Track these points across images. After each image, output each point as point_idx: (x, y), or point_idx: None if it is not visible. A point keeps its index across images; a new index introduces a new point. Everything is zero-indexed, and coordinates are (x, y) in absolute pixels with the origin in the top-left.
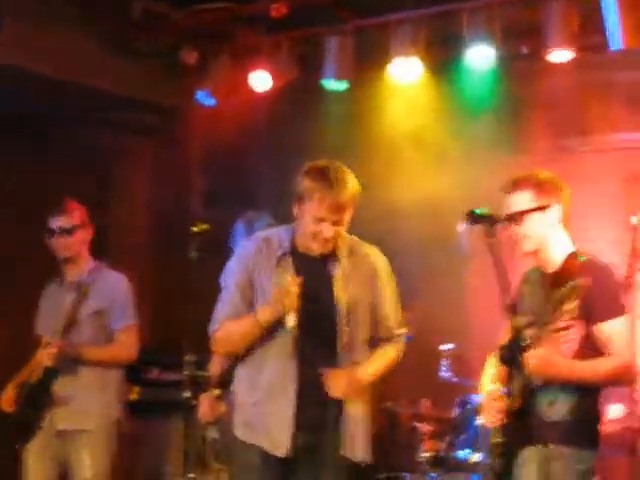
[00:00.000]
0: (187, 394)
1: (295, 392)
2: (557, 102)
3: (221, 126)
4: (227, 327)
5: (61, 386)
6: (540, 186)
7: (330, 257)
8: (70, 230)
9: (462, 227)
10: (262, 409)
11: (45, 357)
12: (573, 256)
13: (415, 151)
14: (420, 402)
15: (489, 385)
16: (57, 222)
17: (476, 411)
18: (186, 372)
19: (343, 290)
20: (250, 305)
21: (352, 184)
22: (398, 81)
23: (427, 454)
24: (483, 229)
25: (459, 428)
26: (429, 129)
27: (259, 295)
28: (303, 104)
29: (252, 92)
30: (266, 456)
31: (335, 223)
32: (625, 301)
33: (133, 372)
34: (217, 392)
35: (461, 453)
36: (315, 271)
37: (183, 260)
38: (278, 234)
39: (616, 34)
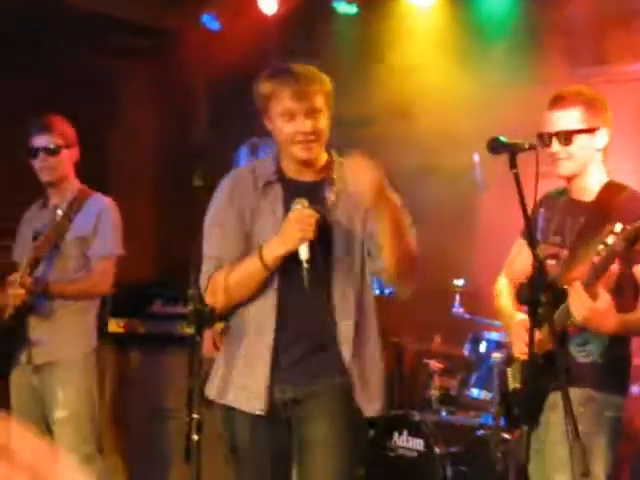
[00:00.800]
0: (191, 329)
1: (275, 330)
2: (575, 30)
3: (227, 51)
4: (221, 277)
5: (35, 319)
6: (591, 105)
7: (324, 181)
8: (55, 150)
9: (477, 158)
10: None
11: (11, 299)
12: (612, 186)
13: (427, 80)
14: (431, 338)
15: (519, 315)
16: (40, 141)
17: (490, 349)
18: (190, 306)
19: (339, 217)
20: (244, 245)
21: (318, 74)
22: (412, 4)
23: (437, 392)
24: (506, 158)
25: (471, 366)
26: (442, 56)
27: (254, 233)
28: (313, 27)
29: (259, 15)
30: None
31: (308, 114)
32: None
33: (135, 305)
34: (221, 325)
35: (473, 391)
36: (308, 197)
37: (187, 190)
38: (262, 163)
39: None
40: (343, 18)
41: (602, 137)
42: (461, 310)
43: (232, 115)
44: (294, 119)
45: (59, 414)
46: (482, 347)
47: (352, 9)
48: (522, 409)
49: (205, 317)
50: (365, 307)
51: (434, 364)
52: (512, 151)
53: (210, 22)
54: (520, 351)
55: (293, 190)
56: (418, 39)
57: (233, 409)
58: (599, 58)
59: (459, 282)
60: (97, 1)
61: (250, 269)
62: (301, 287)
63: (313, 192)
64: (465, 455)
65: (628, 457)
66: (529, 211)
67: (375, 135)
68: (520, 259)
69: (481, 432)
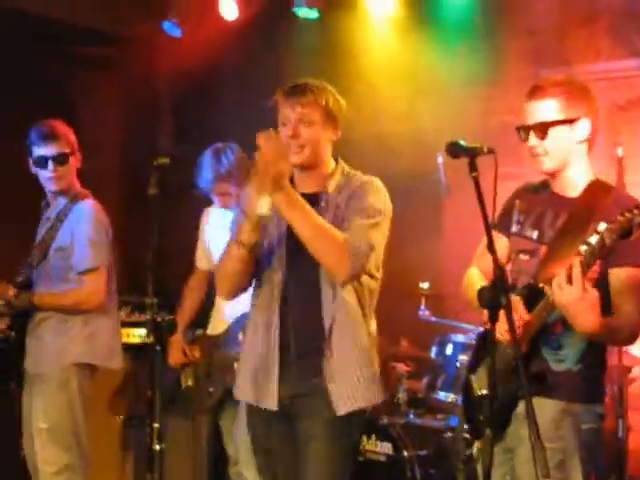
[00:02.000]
0: (150, 338)
1: (278, 334)
2: (538, 30)
3: (189, 57)
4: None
5: (29, 330)
6: (569, 94)
7: (320, 194)
8: (65, 159)
9: (441, 159)
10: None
11: None
12: (598, 185)
13: (389, 84)
14: (398, 341)
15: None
16: (48, 150)
17: (456, 352)
18: (147, 315)
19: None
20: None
21: (321, 90)
22: (372, 8)
23: (405, 395)
24: (466, 162)
25: (438, 369)
26: (404, 60)
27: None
28: (274, 32)
29: (220, 21)
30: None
31: (300, 120)
32: None
33: None
34: (202, 332)
35: (441, 394)
36: None
37: (149, 198)
38: None
39: None
40: (304, 23)
41: (583, 128)
42: (427, 313)
43: (196, 121)
44: (285, 126)
45: (39, 425)
46: (449, 350)
47: (313, 14)
48: (488, 417)
49: (163, 327)
50: (343, 308)
51: (401, 367)
52: (471, 155)
53: (171, 29)
54: (500, 332)
55: None
56: (379, 42)
57: (251, 406)
58: (561, 58)
59: (424, 285)
60: (57, 9)
61: (227, 248)
62: (298, 286)
63: (310, 203)
64: (433, 458)
65: None
66: (489, 214)
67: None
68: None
69: (449, 434)
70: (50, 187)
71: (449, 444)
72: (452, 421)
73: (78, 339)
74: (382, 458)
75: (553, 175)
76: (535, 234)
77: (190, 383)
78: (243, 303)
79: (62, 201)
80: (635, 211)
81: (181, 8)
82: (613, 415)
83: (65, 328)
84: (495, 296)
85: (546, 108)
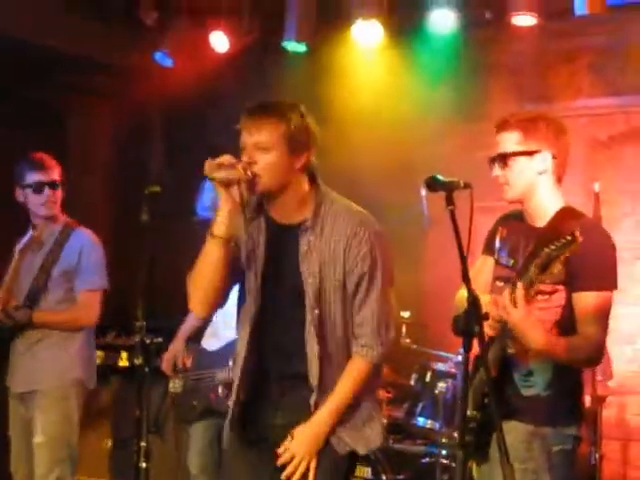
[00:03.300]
0: (139, 360)
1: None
2: (520, 68)
3: (180, 87)
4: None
5: (19, 348)
6: (531, 127)
7: (300, 227)
8: (58, 185)
9: (424, 192)
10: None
11: None
12: (566, 212)
13: (376, 116)
14: None
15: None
16: (44, 176)
17: (436, 379)
18: (137, 338)
19: (310, 268)
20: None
21: (279, 110)
22: (360, 44)
23: (385, 420)
24: (443, 196)
25: (417, 395)
26: (390, 94)
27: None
28: (264, 65)
29: (211, 53)
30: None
31: (255, 146)
32: (616, 275)
33: None
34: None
35: (420, 420)
36: (279, 242)
37: (140, 224)
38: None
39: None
40: (293, 56)
41: (543, 160)
42: (407, 341)
43: (187, 148)
44: (243, 151)
45: (38, 439)
46: (428, 377)
47: (301, 47)
48: (461, 439)
49: (152, 349)
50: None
51: (382, 393)
52: (448, 189)
53: (163, 59)
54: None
55: (270, 232)
56: (366, 76)
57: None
58: (544, 95)
59: (405, 314)
60: (51, 38)
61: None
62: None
63: (288, 236)
64: None
65: None
66: (465, 248)
67: (324, 169)
68: (483, 274)
69: (426, 460)
70: (42, 212)
71: (427, 469)
72: (430, 447)
73: (78, 358)
74: None
75: (521, 203)
76: (511, 262)
77: (178, 389)
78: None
79: (55, 227)
80: (552, 246)
81: (173, 39)
82: (587, 443)
83: (66, 346)
84: (469, 324)
85: (508, 140)
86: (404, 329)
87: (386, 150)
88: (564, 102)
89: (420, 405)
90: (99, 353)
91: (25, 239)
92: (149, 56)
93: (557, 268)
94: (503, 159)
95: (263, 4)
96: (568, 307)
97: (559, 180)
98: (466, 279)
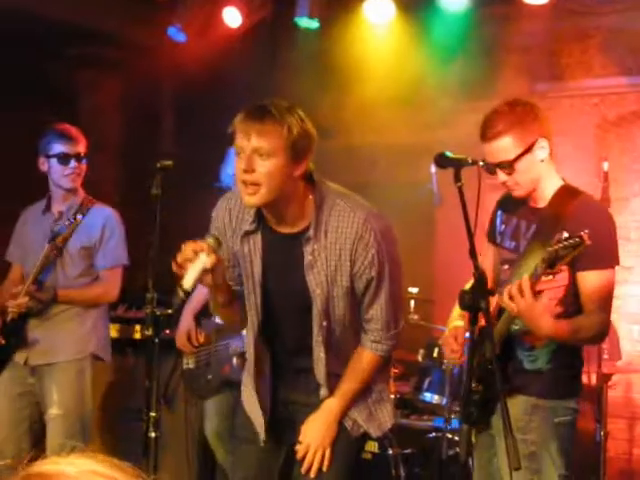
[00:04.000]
0: (149, 332)
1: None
2: (531, 46)
3: (191, 63)
4: None
5: (33, 322)
6: (519, 126)
7: (301, 235)
8: (84, 158)
9: (434, 169)
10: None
11: (16, 307)
12: (565, 190)
13: (386, 93)
14: None
15: (455, 322)
16: (71, 148)
17: (442, 354)
18: (147, 309)
19: (317, 278)
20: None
21: (282, 114)
22: (371, 22)
23: (392, 396)
24: (452, 172)
25: (425, 371)
26: (400, 71)
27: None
28: (276, 41)
29: (224, 29)
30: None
31: (255, 152)
32: (616, 252)
33: None
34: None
35: (427, 396)
36: (281, 252)
37: (150, 198)
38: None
39: None
40: (305, 32)
41: (542, 148)
42: (415, 317)
43: (198, 126)
44: (239, 157)
45: (53, 411)
46: (435, 353)
47: (313, 24)
48: (466, 410)
49: (162, 321)
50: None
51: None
52: (456, 165)
53: (176, 34)
54: (447, 357)
55: (271, 242)
56: (377, 54)
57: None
58: (555, 74)
59: (414, 290)
60: (65, 11)
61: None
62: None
63: (290, 245)
64: (418, 457)
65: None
66: (472, 224)
67: (337, 147)
68: (486, 260)
69: (433, 435)
70: (66, 184)
71: (434, 444)
72: (437, 422)
73: (94, 332)
74: (368, 456)
75: (526, 196)
76: (513, 245)
77: (191, 365)
78: None
79: (75, 201)
80: (560, 245)
81: (186, 14)
82: (592, 420)
83: (83, 319)
84: (475, 299)
85: (504, 147)
86: (412, 305)
87: (396, 128)
88: (574, 81)
89: (427, 381)
90: (113, 326)
91: (38, 209)
92: (161, 31)
93: (563, 266)
94: (509, 166)
95: None
96: (571, 286)
97: (553, 158)
98: (473, 255)
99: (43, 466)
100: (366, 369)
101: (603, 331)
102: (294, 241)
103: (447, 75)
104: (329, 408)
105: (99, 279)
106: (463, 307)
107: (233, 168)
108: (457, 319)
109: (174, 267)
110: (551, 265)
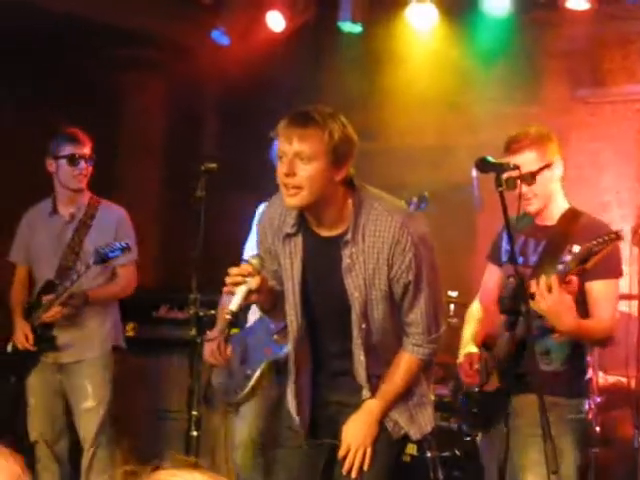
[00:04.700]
0: (192, 332)
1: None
2: (573, 52)
3: (234, 66)
4: None
5: (60, 324)
6: (541, 143)
7: (340, 238)
8: (92, 160)
9: (475, 173)
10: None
11: (52, 317)
12: (572, 212)
13: (428, 96)
14: None
15: (468, 347)
16: (81, 150)
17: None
18: (191, 310)
19: (355, 282)
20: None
21: (329, 118)
22: (414, 26)
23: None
24: (493, 177)
25: None
26: (443, 76)
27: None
28: (319, 45)
29: (267, 32)
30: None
31: (297, 156)
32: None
33: (141, 309)
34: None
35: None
36: (321, 255)
37: (192, 199)
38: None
39: None
40: (348, 37)
41: (558, 167)
42: (455, 320)
43: (240, 129)
44: (281, 160)
45: (88, 404)
46: None
47: (357, 28)
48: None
49: (206, 321)
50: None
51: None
52: (498, 171)
53: (220, 37)
54: (465, 382)
55: (310, 245)
56: (420, 58)
57: None
58: (597, 79)
59: (453, 293)
60: (109, 13)
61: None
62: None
63: (329, 248)
64: (457, 459)
65: (611, 462)
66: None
67: (378, 150)
68: (490, 281)
69: (471, 438)
70: (74, 184)
71: (472, 447)
72: None
73: (114, 326)
74: (407, 458)
75: (537, 212)
76: (521, 259)
77: (220, 380)
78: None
79: (83, 202)
80: (594, 242)
81: (230, 18)
82: (631, 426)
83: (106, 315)
84: (515, 303)
85: (529, 159)
86: (452, 308)
87: (438, 132)
88: (616, 87)
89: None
90: (151, 326)
91: (43, 211)
92: (205, 34)
93: (595, 261)
94: (531, 177)
95: None
96: (579, 293)
97: (564, 180)
98: (513, 259)
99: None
100: (407, 371)
101: (609, 335)
102: (333, 244)
103: (489, 79)
104: (370, 408)
105: (117, 276)
106: (503, 311)
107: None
108: (470, 343)
109: (225, 291)
110: (584, 260)
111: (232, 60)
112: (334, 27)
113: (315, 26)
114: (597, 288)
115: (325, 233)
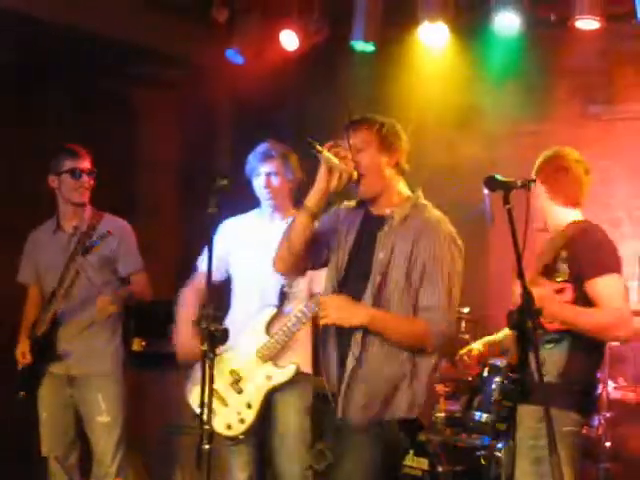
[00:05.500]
0: (204, 347)
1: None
2: (584, 70)
3: (249, 85)
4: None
5: (68, 334)
6: (547, 176)
7: (387, 216)
8: (92, 173)
9: (486, 191)
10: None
11: (104, 313)
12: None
13: (440, 116)
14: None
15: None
16: (83, 164)
17: (492, 374)
18: (203, 325)
19: (383, 247)
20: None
21: (372, 117)
22: (426, 45)
23: (443, 414)
24: (501, 195)
25: (475, 390)
26: (455, 94)
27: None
28: (332, 64)
29: (281, 52)
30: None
31: (354, 149)
32: (616, 259)
33: (152, 324)
34: None
35: (476, 414)
36: (368, 229)
37: (206, 216)
38: None
39: None
40: (360, 56)
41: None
42: (466, 336)
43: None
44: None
45: (102, 419)
46: (485, 372)
47: (369, 47)
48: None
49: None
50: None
51: (440, 388)
52: (506, 188)
53: (234, 57)
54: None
55: (365, 220)
56: (432, 77)
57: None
58: (609, 97)
59: (465, 310)
60: (125, 31)
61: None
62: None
63: (376, 223)
64: (467, 474)
65: (618, 475)
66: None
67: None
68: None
69: (481, 452)
70: (77, 198)
71: (483, 462)
72: (485, 440)
73: (121, 339)
74: (418, 473)
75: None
76: None
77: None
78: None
79: (85, 215)
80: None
81: (244, 37)
82: None
83: (115, 329)
84: (522, 319)
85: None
86: (463, 324)
87: (451, 149)
88: (628, 104)
89: (477, 399)
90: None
91: (48, 230)
92: (220, 52)
93: (566, 284)
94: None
95: (332, 4)
96: (578, 299)
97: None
98: (521, 276)
99: None
100: (411, 322)
101: (620, 322)
102: (376, 221)
103: (501, 97)
104: (365, 305)
105: (132, 283)
106: (511, 327)
107: None
108: (487, 340)
109: (328, 146)
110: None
111: (246, 78)
112: (347, 46)
113: (328, 45)
114: (592, 286)
115: (374, 212)
